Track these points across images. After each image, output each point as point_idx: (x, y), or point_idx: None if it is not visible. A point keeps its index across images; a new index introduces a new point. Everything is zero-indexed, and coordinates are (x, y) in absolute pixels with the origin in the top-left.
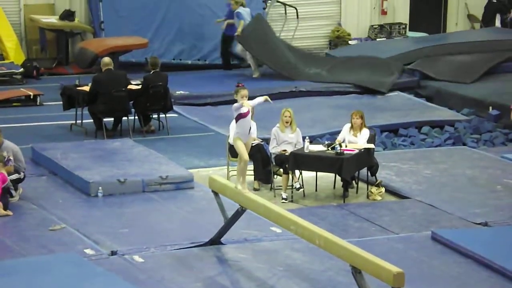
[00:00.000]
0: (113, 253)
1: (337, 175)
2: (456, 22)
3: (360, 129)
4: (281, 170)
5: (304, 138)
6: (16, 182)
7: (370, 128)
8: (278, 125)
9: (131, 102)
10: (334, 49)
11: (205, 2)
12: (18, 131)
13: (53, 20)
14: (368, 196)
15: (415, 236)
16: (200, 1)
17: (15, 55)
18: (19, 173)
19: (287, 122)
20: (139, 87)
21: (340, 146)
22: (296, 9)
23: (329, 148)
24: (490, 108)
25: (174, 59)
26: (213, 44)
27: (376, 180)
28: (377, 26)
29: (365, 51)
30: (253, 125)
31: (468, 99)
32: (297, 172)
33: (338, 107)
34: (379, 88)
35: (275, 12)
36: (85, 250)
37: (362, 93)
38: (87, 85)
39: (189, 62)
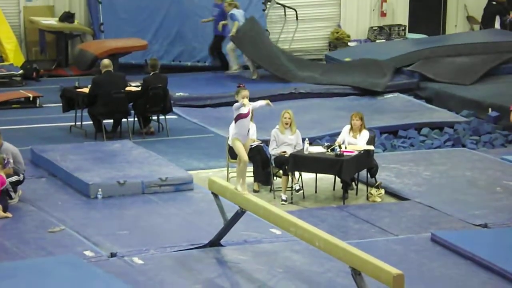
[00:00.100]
0: (113, 255)
1: (336, 177)
2: (455, 23)
3: (360, 130)
4: (281, 171)
5: (303, 139)
6: (15, 184)
7: (369, 129)
8: (277, 126)
9: (131, 104)
10: (334, 51)
11: (205, 4)
12: (17, 133)
13: (52, 22)
14: (367, 198)
15: (414, 238)
16: (199, 3)
17: (15, 57)
18: (19, 175)
19: (286, 124)
20: (139, 89)
21: (340, 147)
22: (295, 10)
23: (329, 150)
24: (490, 109)
25: (173, 61)
26: None
27: (376, 182)
28: (376, 28)
29: (364, 53)
30: (253, 127)
31: (467, 101)
32: (296, 173)
33: (338, 108)
34: (374, 88)
35: (274, 14)
36: (84, 252)
37: (361, 95)
38: (87, 87)
39: (189, 64)
